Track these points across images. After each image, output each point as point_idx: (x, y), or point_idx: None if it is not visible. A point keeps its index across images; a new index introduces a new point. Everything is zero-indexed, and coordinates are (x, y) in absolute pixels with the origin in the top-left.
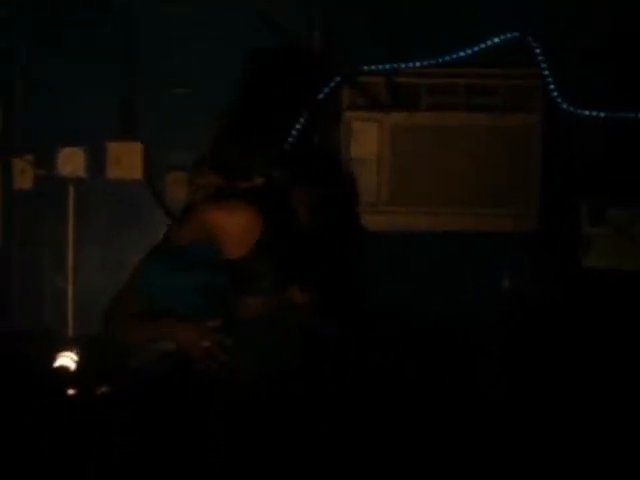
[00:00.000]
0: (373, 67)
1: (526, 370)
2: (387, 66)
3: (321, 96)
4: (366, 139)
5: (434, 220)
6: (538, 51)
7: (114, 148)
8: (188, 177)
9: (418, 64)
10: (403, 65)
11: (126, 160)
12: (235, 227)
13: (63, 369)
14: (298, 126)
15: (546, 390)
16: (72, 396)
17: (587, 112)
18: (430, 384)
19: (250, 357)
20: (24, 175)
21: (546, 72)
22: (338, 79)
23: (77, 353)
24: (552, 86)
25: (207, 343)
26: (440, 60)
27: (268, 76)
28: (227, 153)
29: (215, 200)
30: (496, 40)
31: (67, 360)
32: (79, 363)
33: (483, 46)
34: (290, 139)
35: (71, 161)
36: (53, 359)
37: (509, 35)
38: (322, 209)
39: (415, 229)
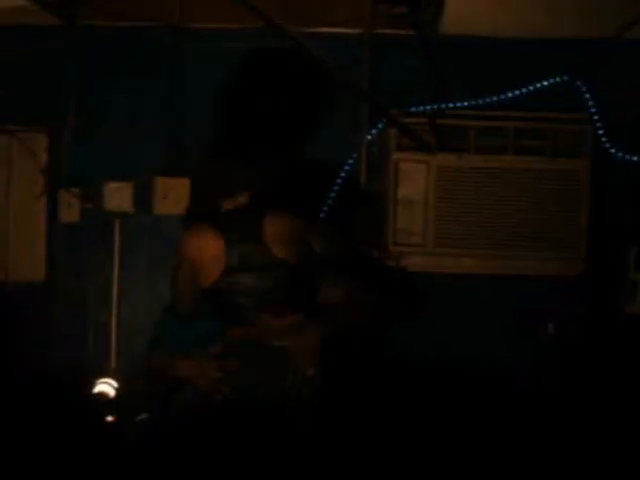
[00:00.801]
0: (420, 108)
1: (568, 414)
2: (434, 107)
3: (369, 137)
4: (413, 180)
5: (480, 263)
6: (588, 96)
7: (161, 183)
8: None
9: (466, 104)
10: (451, 105)
11: (173, 195)
12: (201, 255)
13: (102, 395)
14: (347, 167)
15: (587, 435)
16: (111, 422)
17: (636, 158)
18: (469, 429)
19: (247, 375)
20: (71, 208)
21: (595, 117)
22: (385, 120)
23: (117, 381)
24: (601, 131)
25: (216, 373)
26: (487, 101)
27: (253, 85)
28: (208, 169)
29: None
30: (545, 83)
31: (106, 387)
32: (119, 390)
33: (532, 89)
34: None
35: (118, 195)
36: (93, 386)
37: (558, 79)
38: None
39: (461, 271)
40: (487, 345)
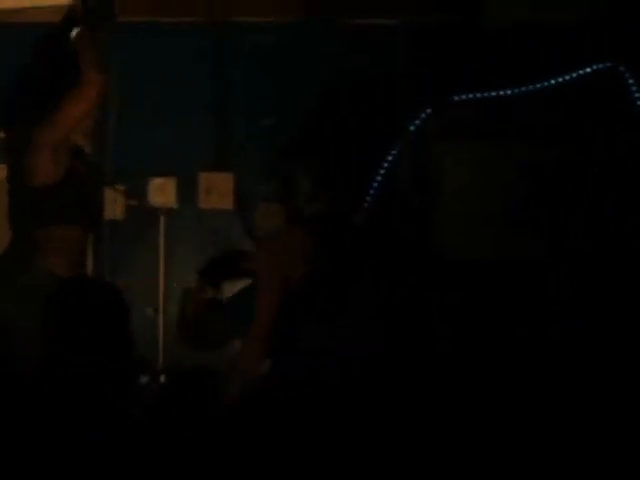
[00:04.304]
0: (463, 96)
1: None
2: (477, 95)
3: (412, 127)
4: (455, 169)
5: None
6: (631, 81)
7: (206, 178)
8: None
9: (509, 92)
10: (493, 94)
11: (218, 190)
12: None
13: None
14: (390, 157)
15: None
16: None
17: None
18: None
19: None
20: (115, 205)
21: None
22: (428, 110)
23: (165, 376)
24: None
25: None
26: (530, 88)
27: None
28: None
29: None
30: (588, 70)
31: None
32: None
33: (574, 75)
34: (382, 171)
35: (162, 191)
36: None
37: (601, 65)
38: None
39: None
40: None
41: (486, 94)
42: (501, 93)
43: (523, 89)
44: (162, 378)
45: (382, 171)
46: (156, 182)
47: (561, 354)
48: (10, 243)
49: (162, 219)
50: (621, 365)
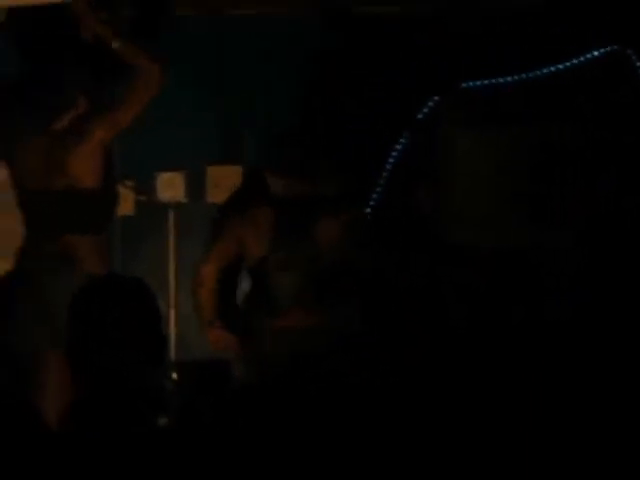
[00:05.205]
0: (471, 83)
1: None
2: (485, 82)
3: (420, 115)
4: (470, 155)
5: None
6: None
7: (214, 172)
8: None
9: (516, 78)
10: (501, 80)
11: (226, 184)
12: None
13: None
14: (398, 146)
15: None
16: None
17: None
18: None
19: None
20: (125, 201)
21: None
22: (437, 97)
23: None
24: None
25: None
26: (538, 74)
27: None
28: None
29: None
30: (595, 54)
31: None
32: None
33: (582, 60)
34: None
35: (171, 186)
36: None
37: (608, 49)
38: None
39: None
40: None
41: (494, 80)
42: (509, 79)
43: (531, 74)
44: (174, 374)
45: (391, 160)
46: (165, 177)
47: (574, 340)
48: (30, 245)
49: (171, 214)
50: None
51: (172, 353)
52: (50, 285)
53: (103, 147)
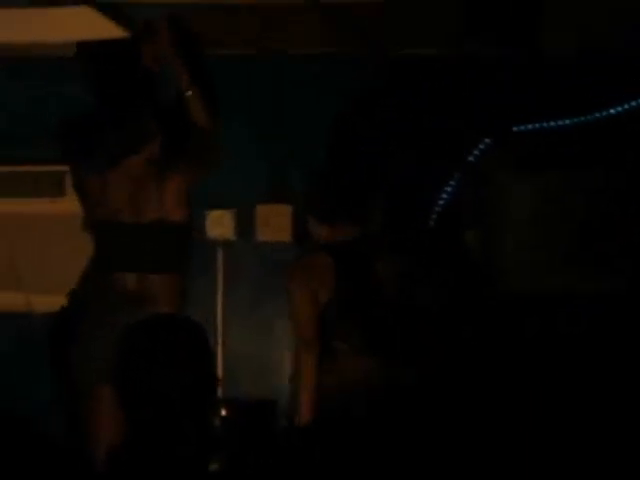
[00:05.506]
0: (522, 127)
1: None
2: (537, 125)
3: (471, 157)
4: (518, 199)
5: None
6: None
7: (264, 210)
8: None
9: (567, 122)
10: (553, 124)
11: (275, 222)
12: None
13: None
14: (448, 188)
15: None
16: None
17: None
18: None
19: None
20: None
21: None
22: (488, 140)
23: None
24: None
25: None
26: (591, 117)
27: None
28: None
29: None
30: None
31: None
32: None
33: (634, 104)
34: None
35: (220, 224)
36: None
37: None
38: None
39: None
40: None
41: (546, 124)
42: (560, 123)
43: (582, 119)
44: (223, 411)
45: (441, 202)
46: (214, 214)
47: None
48: (95, 280)
49: (220, 251)
50: None
51: (219, 392)
52: (114, 324)
53: (186, 183)
